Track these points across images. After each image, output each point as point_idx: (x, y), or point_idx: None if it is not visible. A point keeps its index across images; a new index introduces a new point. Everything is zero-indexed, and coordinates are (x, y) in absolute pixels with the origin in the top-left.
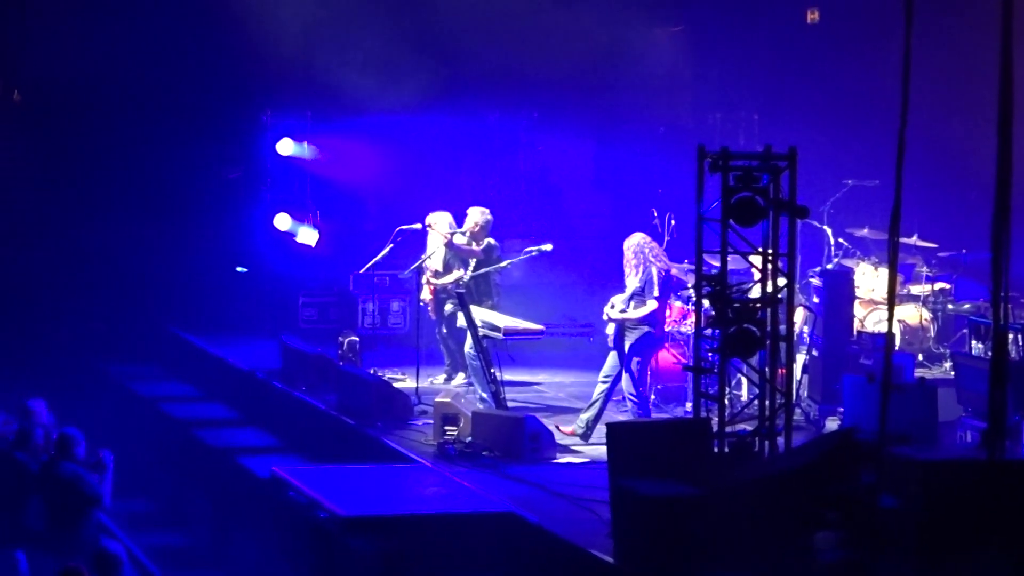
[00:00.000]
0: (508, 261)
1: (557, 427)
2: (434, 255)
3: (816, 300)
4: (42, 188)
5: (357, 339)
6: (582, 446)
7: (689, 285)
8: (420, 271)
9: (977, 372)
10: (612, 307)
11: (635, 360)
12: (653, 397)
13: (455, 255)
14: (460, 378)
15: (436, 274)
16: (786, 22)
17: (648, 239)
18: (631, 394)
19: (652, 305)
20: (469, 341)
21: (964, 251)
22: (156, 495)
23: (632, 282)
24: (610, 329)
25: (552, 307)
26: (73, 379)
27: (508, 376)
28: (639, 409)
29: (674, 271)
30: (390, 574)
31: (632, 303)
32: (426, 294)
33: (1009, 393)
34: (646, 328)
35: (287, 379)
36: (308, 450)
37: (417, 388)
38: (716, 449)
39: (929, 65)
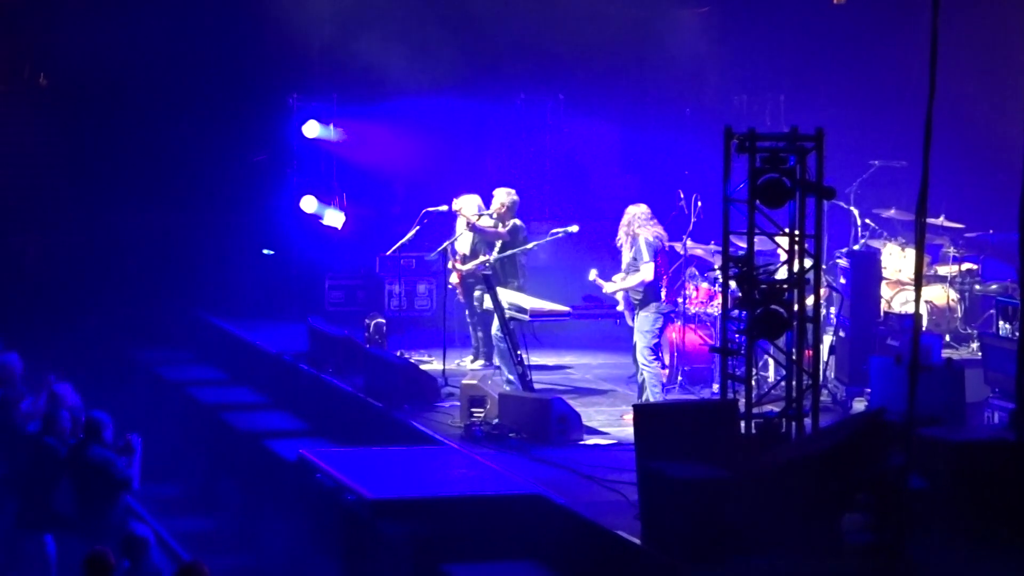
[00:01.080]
0: (534, 243)
1: (623, 416)
2: (461, 238)
3: (843, 281)
4: (69, 173)
5: (384, 321)
6: (610, 427)
7: (716, 266)
8: (446, 255)
9: (1005, 353)
10: (489, 263)
11: (645, 336)
12: (680, 378)
13: (481, 239)
14: (478, 363)
15: (463, 259)
16: (812, 3)
17: (641, 211)
18: (645, 366)
19: (646, 270)
20: (496, 323)
21: (991, 231)
22: (185, 479)
23: (626, 254)
24: (621, 307)
25: (578, 289)
26: (102, 364)
27: (535, 358)
28: (655, 385)
29: (698, 250)
30: (419, 556)
31: (628, 274)
32: (454, 278)
33: None
34: (653, 307)
35: (314, 362)
36: (336, 433)
37: (444, 370)
38: (743, 431)
39: (956, 45)
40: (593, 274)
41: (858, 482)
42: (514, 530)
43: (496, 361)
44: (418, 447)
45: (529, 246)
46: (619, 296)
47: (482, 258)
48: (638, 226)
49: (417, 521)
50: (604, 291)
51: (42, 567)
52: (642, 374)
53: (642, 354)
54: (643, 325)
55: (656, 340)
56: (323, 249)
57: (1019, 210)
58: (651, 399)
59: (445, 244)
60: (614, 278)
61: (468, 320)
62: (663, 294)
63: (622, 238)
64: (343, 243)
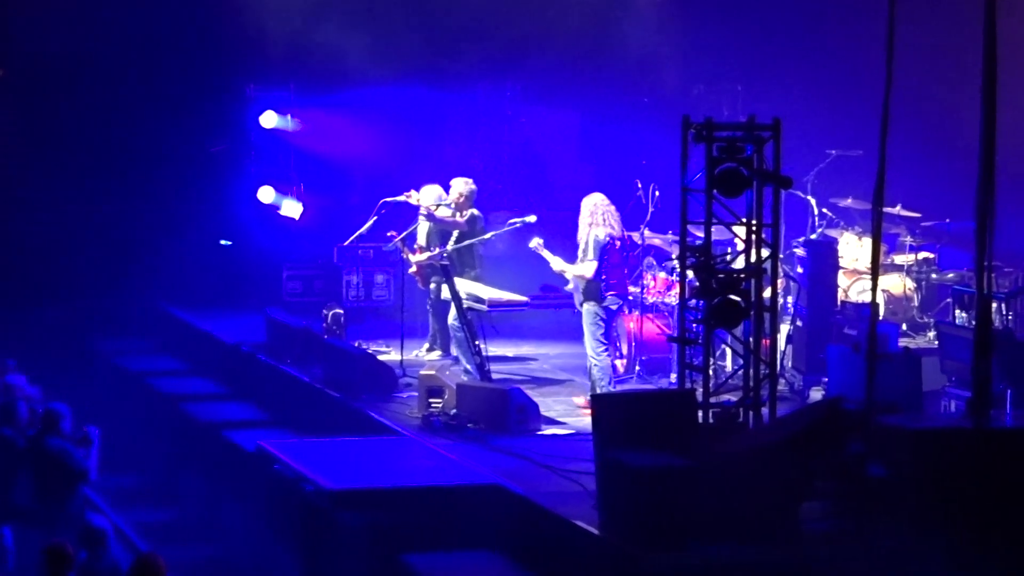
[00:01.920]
0: (492, 233)
1: (575, 399)
2: (419, 228)
3: (800, 270)
4: (27, 163)
5: (342, 312)
6: (568, 417)
7: (673, 256)
8: (399, 248)
9: (961, 341)
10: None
11: (589, 329)
12: (638, 368)
13: (436, 229)
14: (435, 353)
15: (420, 249)
16: None
17: (596, 204)
18: (593, 359)
19: (588, 267)
20: (453, 313)
21: (948, 220)
22: (144, 470)
23: (580, 243)
24: (571, 287)
25: (536, 279)
26: (61, 354)
27: (493, 348)
28: (602, 378)
29: (656, 240)
30: (377, 546)
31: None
32: (414, 267)
33: (993, 362)
34: (593, 303)
35: (273, 352)
36: (294, 423)
37: (402, 360)
38: (701, 420)
39: (913, 35)
40: (535, 242)
41: (816, 470)
42: (473, 520)
43: (454, 351)
44: (376, 437)
45: (487, 236)
46: (568, 277)
47: (437, 249)
48: (592, 223)
49: (376, 511)
50: (544, 256)
51: (0, 559)
52: (591, 364)
53: (590, 347)
54: (588, 319)
55: (602, 332)
56: (281, 239)
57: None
58: (599, 390)
59: (404, 234)
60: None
61: (428, 309)
62: (608, 291)
63: (582, 226)
64: (301, 233)
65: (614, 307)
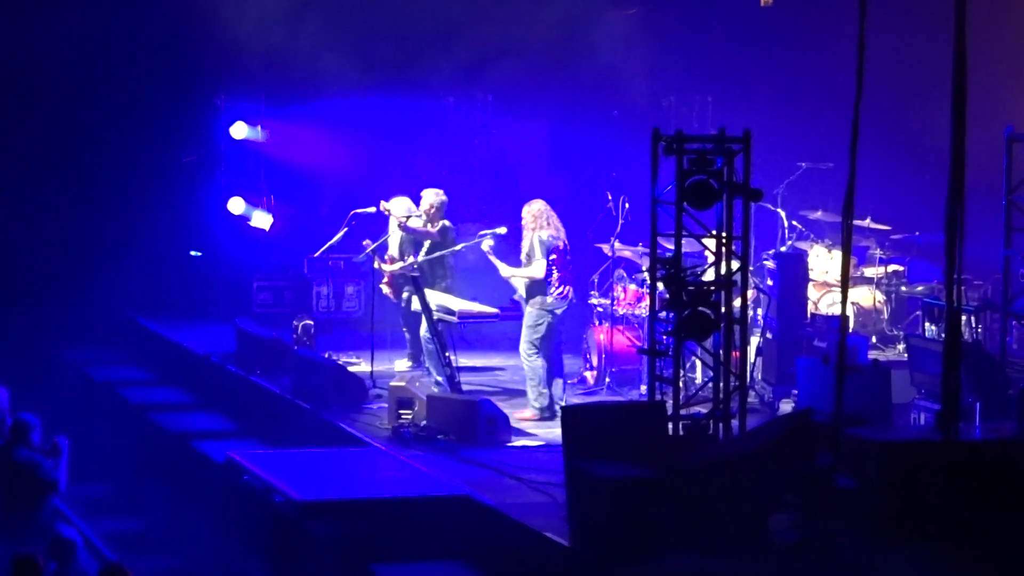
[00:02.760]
0: (463, 244)
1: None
2: (391, 239)
3: (770, 283)
4: None
5: (312, 323)
6: (537, 429)
7: (644, 268)
8: (373, 256)
9: (930, 354)
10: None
11: (528, 330)
12: (608, 380)
13: (409, 240)
14: (406, 363)
15: (391, 260)
16: (740, 5)
17: (536, 210)
18: (525, 359)
19: (537, 267)
20: (424, 324)
21: (917, 233)
22: (113, 480)
23: (524, 247)
24: (519, 294)
25: (506, 290)
26: (29, 365)
27: (463, 360)
28: (532, 378)
29: (626, 252)
30: (347, 557)
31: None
32: (385, 280)
33: (962, 375)
34: (537, 302)
35: (242, 363)
36: (264, 434)
37: (372, 372)
38: (671, 432)
39: (883, 48)
40: (486, 244)
41: (786, 482)
42: (442, 531)
43: (425, 362)
44: (346, 448)
45: (457, 247)
46: (515, 284)
47: (409, 259)
48: (537, 226)
49: (345, 522)
50: (492, 261)
51: None
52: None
53: (523, 348)
54: (527, 320)
55: (539, 336)
56: (251, 250)
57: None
58: (530, 394)
59: (374, 245)
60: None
61: (402, 320)
62: (553, 292)
63: (526, 232)
64: (271, 244)
65: (559, 311)
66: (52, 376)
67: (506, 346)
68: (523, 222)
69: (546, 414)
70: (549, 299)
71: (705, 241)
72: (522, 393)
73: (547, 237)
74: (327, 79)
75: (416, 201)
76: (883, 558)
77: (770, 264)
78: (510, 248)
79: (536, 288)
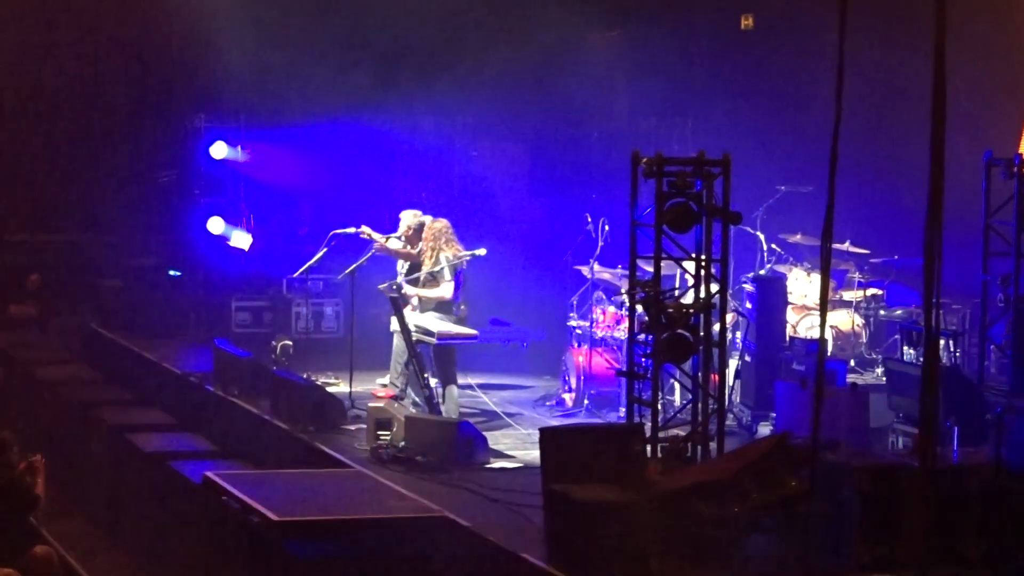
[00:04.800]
0: (442, 265)
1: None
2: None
3: (749, 306)
4: None
5: (291, 343)
6: (516, 451)
7: (623, 290)
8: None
9: (909, 378)
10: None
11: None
12: (587, 402)
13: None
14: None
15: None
16: (721, 28)
17: (441, 227)
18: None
19: (446, 288)
20: (396, 343)
21: (896, 257)
22: (88, 501)
23: (426, 266)
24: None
25: (485, 312)
26: (5, 383)
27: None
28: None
29: (605, 274)
30: None
31: (425, 286)
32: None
33: (940, 399)
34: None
35: (221, 383)
36: (242, 455)
37: (351, 393)
38: (649, 454)
39: (863, 71)
40: (366, 230)
41: (763, 505)
42: (420, 552)
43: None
44: (324, 470)
45: (436, 268)
46: (414, 301)
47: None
48: (444, 242)
49: (323, 543)
50: (376, 248)
51: None
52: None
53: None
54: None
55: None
56: (230, 270)
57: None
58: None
59: (354, 266)
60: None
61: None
62: (459, 310)
63: (425, 251)
64: (250, 264)
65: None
66: (27, 395)
67: (484, 367)
68: (425, 243)
69: (402, 395)
70: (455, 317)
71: (685, 264)
72: (501, 415)
73: (454, 257)
74: (306, 101)
75: (396, 223)
76: None
77: (749, 287)
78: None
79: (442, 308)
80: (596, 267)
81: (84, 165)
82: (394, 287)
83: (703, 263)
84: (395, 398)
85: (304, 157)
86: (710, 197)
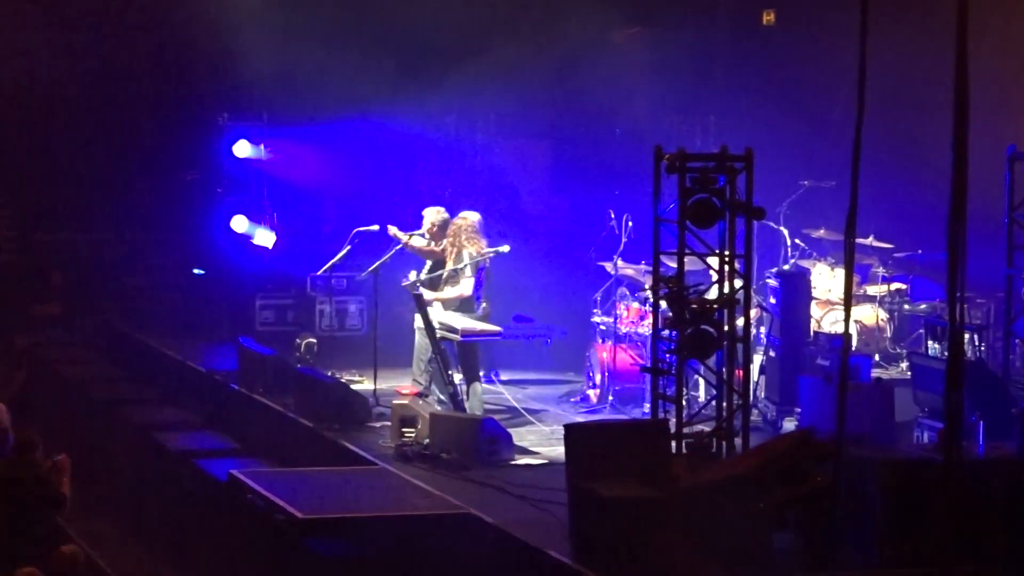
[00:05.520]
0: (465, 263)
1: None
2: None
3: (773, 301)
4: None
5: (315, 341)
6: (541, 447)
7: (646, 286)
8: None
9: (933, 372)
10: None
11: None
12: (611, 398)
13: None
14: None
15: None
16: (742, 23)
17: (470, 223)
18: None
19: (466, 285)
20: (418, 340)
21: (920, 251)
22: (114, 499)
23: (449, 264)
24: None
25: (509, 309)
26: (32, 382)
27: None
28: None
29: (629, 270)
30: None
31: (447, 284)
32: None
33: (965, 394)
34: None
35: (245, 382)
36: (266, 453)
37: (375, 390)
38: (674, 450)
39: (885, 65)
40: (391, 229)
41: (788, 500)
42: (445, 549)
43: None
44: (349, 467)
45: (460, 265)
46: (436, 305)
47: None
48: (466, 238)
49: (348, 540)
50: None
51: None
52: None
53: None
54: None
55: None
56: (254, 268)
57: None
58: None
59: (377, 263)
60: (421, 277)
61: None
62: (480, 307)
63: (448, 247)
64: (274, 262)
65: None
66: (53, 393)
67: (509, 364)
68: (448, 239)
69: (426, 392)
70: (478, 315)
71: (708, 259)
72: (526, 411)
73: (477, 253)
74: (329, 98)
75: (419, 220)
76: None
77: (773, 282)
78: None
79: (464, 305)
80: (620, 263)
81: (108, 164)
82: (417, 284)
83: (727, 258)
84: (419, 395)
85: (327, 155)
86: (733, 192)
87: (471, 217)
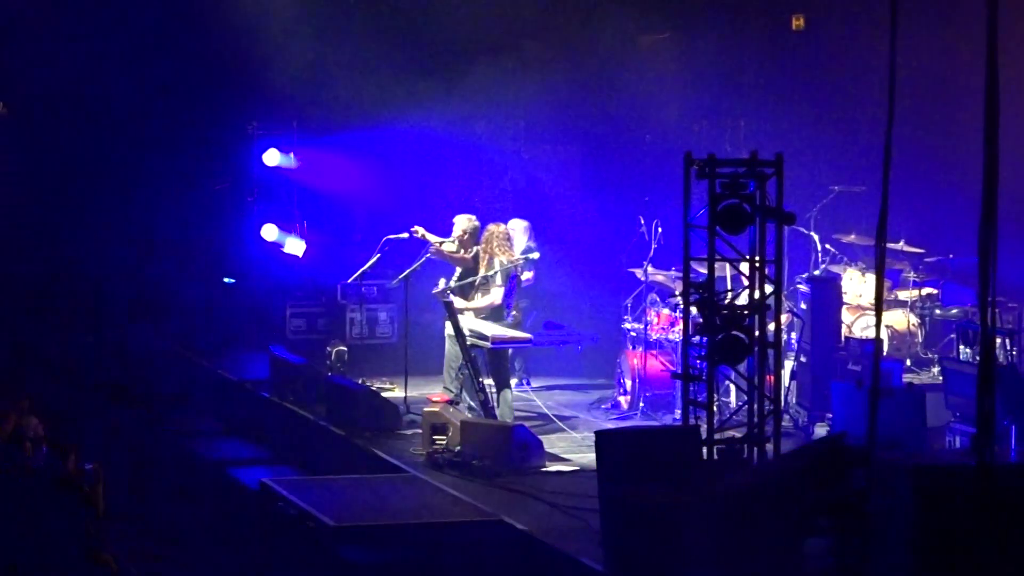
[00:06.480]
0: (495, 270)
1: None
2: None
3: (804, 306)
4: (28, 202)
5: (345, 349)
6: (572, 455)
7: (676, 292)
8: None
9: (965, 377)
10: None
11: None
12: (642, 404)
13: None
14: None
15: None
16: (772, 29)
17: (502, 231)
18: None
19: (496, 294)
20: (448, 346)
21: (951, 256)
22: (146, 506)
23: (480, 271)
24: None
25: (539, 315)
26: (64, 390)
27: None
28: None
29: (659, 276)
30: None
31: (478, 292)
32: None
33: (997, 398)
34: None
35: (276, 390)
36: (298, 461)
37: (406, 398)
38: (705, 456)
39: (914, 69)
40: (419, 230)
41: (820, 506)
42: (476, 556)
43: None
44: (380, 475)
45: (491, 273)
46: (467, 313)
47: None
48: (497, 245)
49: (379, 548)
50: (431, 252)
51: None
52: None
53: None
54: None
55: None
56: (284, 277)
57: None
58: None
59: (409, 270)
60: (451, 284)
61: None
62: (510, 317)
63: (481, 255)
64: (304, 270)
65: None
66: (86, 402)
67: (539, 371)
68: (482, 246)
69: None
70: (508, 322)
71: (739, 265)
72: (557, 418)
73: (508, 262)
74: (358, 106)
75: (450, 227)
76: None
77: (803, 288)
78: (540, 272)
79: (494, 314)
80: (650, 269)
81: (137, 173)
82: (447, 291)
83: (757, 264)
84: (450, 402)
85: (356, 163)
86: (763, 198)
87: (519, 224)
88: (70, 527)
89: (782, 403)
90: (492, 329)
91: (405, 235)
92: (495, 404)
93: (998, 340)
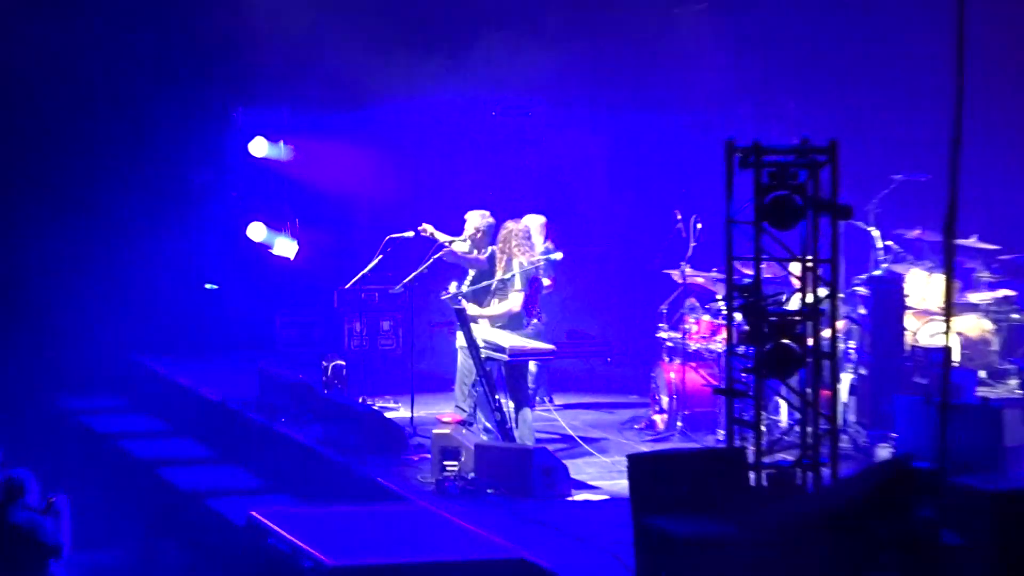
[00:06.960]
0: (513, 272)
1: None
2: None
3: (863, 311)
4: None
5: (344, 363)
6: (602, 482)
7: (718, 296)
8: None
9: None
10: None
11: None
12: (680, 424)
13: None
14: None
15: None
16: None
17: (522, 228)
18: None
19: (515, 299)
20: (460, 360)
21: None
22: (120, 544)
23: (498, 273)
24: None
25: (563, 323)
26: (23, 415)
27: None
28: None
29: (698, 278)
30: None
31: (495, 297)
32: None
33: None
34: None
35: (265, 410)
36: (290, 491)
37: (412, 418)
38: (753, 482)
39: (987, 42)
40: (427, 228)
41: (883, 540)
42: None
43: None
44: (384, 505)
45: (508, 275)
46: (483, 322)
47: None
48: (515, 245)
49: None
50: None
51: None
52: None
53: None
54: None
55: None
56: (274, 283)
57: None
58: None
59: (418, 270)
60: (462, 288)
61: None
62: (530, 323)
63: (497, 256)
64: (296, 275)
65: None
66: (49, 427)
67: (563, 386)
68: (498, 246)
69: (470, 420)
70: (527, 331)
71: (788, 265)
72: (583, 440)
73: (528, 264)
74: (360, 89)
75: (462, 224)
76: None
77: (862, 290)
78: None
79: (513, 320)
80: (688, 270)
81: (105, 162)
82: (458, 297)
83: (809, 264)
84: (462, 423)
85: (357, 153)
86: (816, 189)
87: (535, 220)
88: (28, 570)
89: (839, 421)
90: (510, 340)
91: (410, 234)
92: (513, 425)
93: None
